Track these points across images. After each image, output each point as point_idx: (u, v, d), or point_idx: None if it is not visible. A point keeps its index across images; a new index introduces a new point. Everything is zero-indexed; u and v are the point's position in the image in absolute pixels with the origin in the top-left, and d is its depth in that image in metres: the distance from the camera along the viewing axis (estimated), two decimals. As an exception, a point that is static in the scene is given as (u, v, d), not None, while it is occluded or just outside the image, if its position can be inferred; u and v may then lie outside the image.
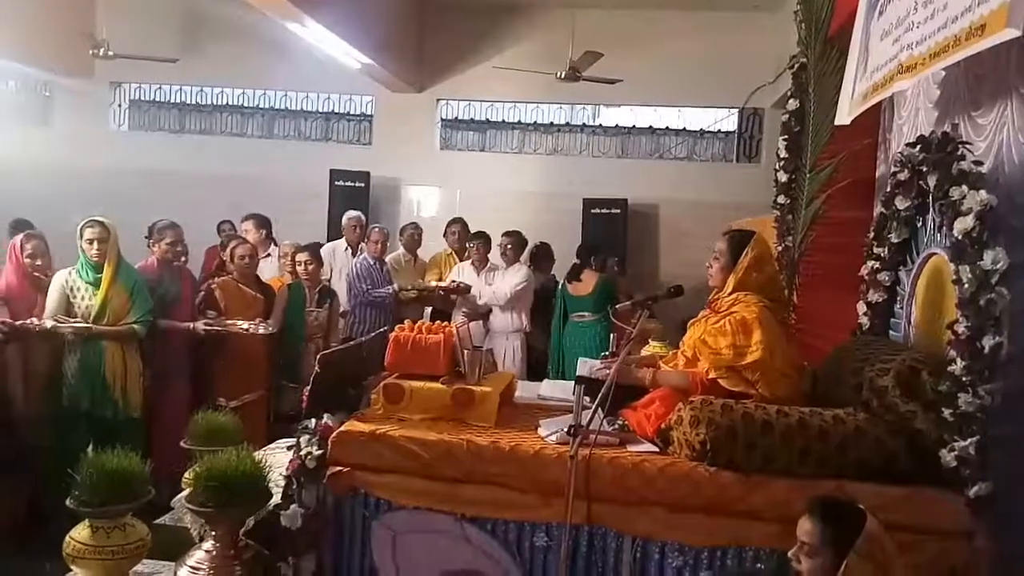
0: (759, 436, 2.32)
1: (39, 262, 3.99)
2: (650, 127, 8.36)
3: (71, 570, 2.60)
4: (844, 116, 3.47)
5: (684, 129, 8.32)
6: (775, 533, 2.24)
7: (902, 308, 3.03)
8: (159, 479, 2.80)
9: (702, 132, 8.27)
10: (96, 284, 3.87)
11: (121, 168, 8.06)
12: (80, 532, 2.56)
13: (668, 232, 7.96)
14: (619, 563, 2.40)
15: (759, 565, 2.24)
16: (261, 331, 4.46)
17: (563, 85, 6.92)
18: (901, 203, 2.93)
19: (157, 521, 2.90)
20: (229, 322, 4.44)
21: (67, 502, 2.54)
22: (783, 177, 4.11)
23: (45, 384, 3.84)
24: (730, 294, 2.69)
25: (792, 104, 4.08)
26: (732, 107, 7.88)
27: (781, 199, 4.12)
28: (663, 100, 8.08)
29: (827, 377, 2.82)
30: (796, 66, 4.10)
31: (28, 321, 3.70)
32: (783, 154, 4.11)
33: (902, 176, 2.90)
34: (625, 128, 8.42)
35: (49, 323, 3.73)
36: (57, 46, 7.45)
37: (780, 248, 4.07)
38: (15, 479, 3.82)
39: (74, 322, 3.78)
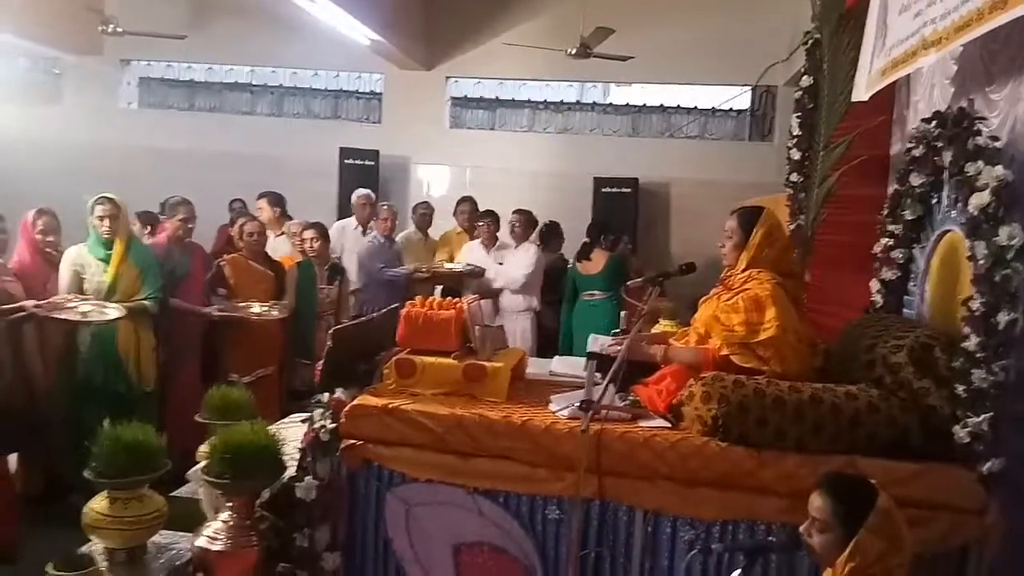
0: (771, 411, 2.32)
1: (51, 238, 4.02)
2: (661, 105, 8.30)
3: (90, 540, 2.65)
4: (861, 92, 3.43)
5: (696, 107, 8.26)
6: (786, 508, 2.25)
7: (916, 286, 3.01)
8: (173, 453, 2.84)
9: (714, 110, 8.21)
10: (107, 260, 3.90)
11: (131, 146, 8.07)
12: (98, 503, 2.59)
13: (679, 211, 7.93)
14: (631, 536, 2.42)
15: (771, 538, 2.25)
16: (275, 315, 4.50)
17: (574, 63, 6.86)
18: (916, 180, 2.91)
19: (173, 494, 2.94)
20: (242, 305, 4.47)
21: (85, 473, 2.57)
22: (796, 155, 4.07)
23: (61, 359, 3.88)
24: (743, 271, 2.68)
25: (806, 81, 4.04)
26: (745, 85, 7.80)
27: (794, 177, 4.09)
28: (675, 78, 8.01)
29: (840, 354, 2.81)
30: (810, 42, 4.05)
31: (58, 299, 3.73)
32: (796, 132, 4.08)
33: (917, 152, 2.88)
34: (636, 106, 8.36)
35: (84, 307, 3.76)
36: (66, 24, 7.44)
37: (793, 227, 4.04)
38: (34, 452, 3.88)
39: (106, 306, 3.81)
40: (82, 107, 8.48)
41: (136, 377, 3.94)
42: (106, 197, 3.93)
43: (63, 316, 3.68)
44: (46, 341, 3.84)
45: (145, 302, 3.97)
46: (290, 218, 5.84)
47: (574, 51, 6.65)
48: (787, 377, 2.46)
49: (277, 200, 5.81)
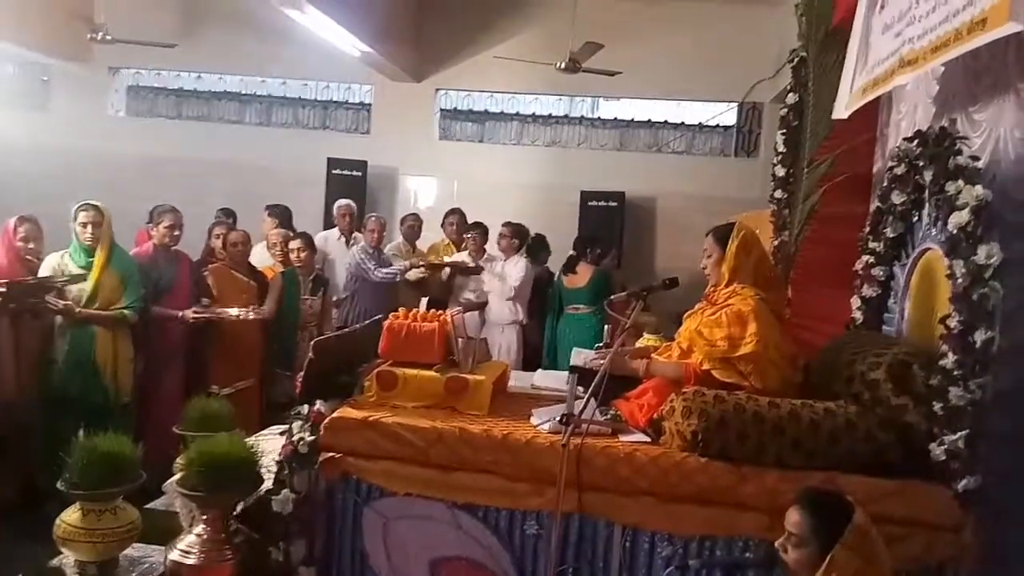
0: (750, 427, 2.32)
1: (31, 245, 3.98)
2: (649, 120, 8.34)
3: (61, 552, 2.61)
4: (842, 110, 3.47)
5: (683, 123, 8.30)
6: (765, 524, 2.25)
7: (896, 303, 3.03)
8: (151, 465, 2.81)
9: (701, 126, 8.25)
10: (88, 268, 3.87)
11: (118, 153, 8.03)
12: (71, 515, 2.55)
13: (665, 225, 7.96)
14: (608, 552, 2.40)
15: (748, 555, 2.25)
16: (252, 316, 4.47)
17: (563, 77, 6.90)
18: (897, 198, 2.93)
19: (148, 506, 2.90)
20: (220, 309, 4.44)
21: (58, 485, 2.54)
22: (780, 172, 4.10)
23: (36, 367, 3.84)
24: (727, 286, 2.69)
25: (791, 98, 4.08)
26: (731, 101, 7.85)
27: (778, 193, 4.11)
28: (662, 93, 8.06)
29: (820, 370, 2.82)
30: (796, 60, 4.09)
31: (24, 280, 3.69)
32: (781, 148, 4.11)
33: (899, 171, 2.90)
34: (624, 121, 8.40)
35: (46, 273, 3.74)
36: (55, 30, 7.40)
37: (776, 243, 4.07)
38: (8, 462, 3.82)
39: (67, 294, 3.77)
40: (70, 114, 8.42)
41: (113, 388, 3.90)
42: (90, 204, 3.91)
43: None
44: (21, 349, 3.80)
45: (125, 311, 3.94)
46: (294, 230, 5.83)
47: (563, 65, 6.69)
48: (767, 392, 2.46)
49: (280, 214, 5.81)
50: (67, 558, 2.58)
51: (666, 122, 8.31)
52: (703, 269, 2.81)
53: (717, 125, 8.21)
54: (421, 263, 5.68)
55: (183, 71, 8.69)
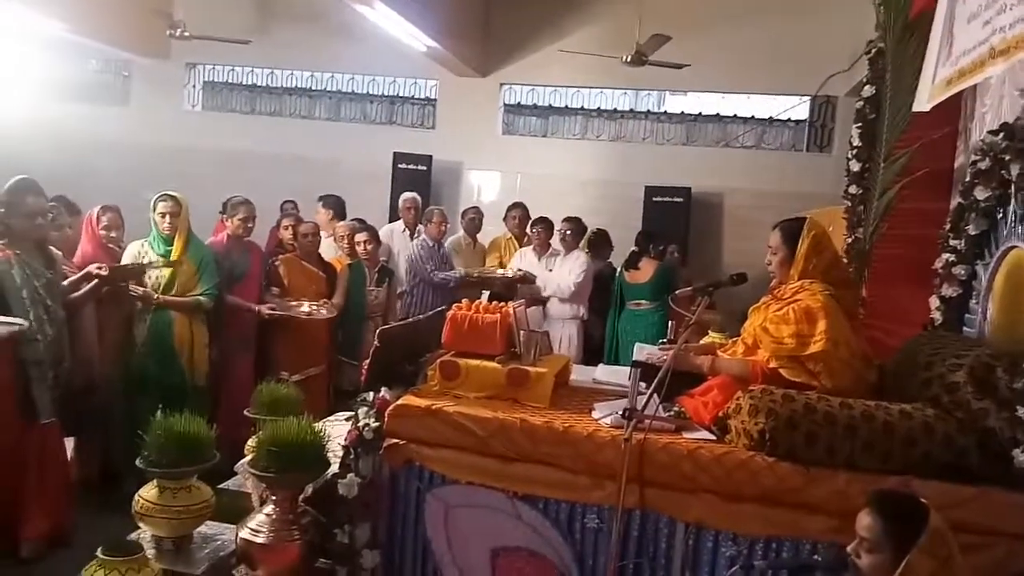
0: (821, 427, 2.26)
1: (113, 234, 4.16)
2: (717, 114, 8.20)
3: (139, 528, 2.73)
4: (924, 103, 3.33)
5: (752, 117, 8.13)
6: (835, 527, 2.19)
7: (978, 303, 2.90)
8: (223, 446, 2.91)
9: (771, 120, 8.06)
10: (167, 256, 4.02)
11: (194, 147, 8.33)
12: (149, 491, 2.67)
13: (733, 222, 7.81)
14: (671, 549, 2.37)
15: (816, 557, 2.19)
16: (323, 315, 4.58)
17: (628, 70, 6.82)
18: (981, 193, 2.81)
19: (221, 486, 3.01)
20: (293, 304, 4.57)
21: (137, 462, 2.66)
22: (855, 166, 3.97)
23: (118, 350, 4.01)
24: (794, 282, 2.62)
25: (868, 91, 3.94)
26: (804, 95, 7.65)
27: (853, 189, 3.99)
28: (731, 87, 7.91)
29: (896, 372, 2.72)
30: (873, 51, 3.95)
31: (124, 265, 3.88)
32: (856, 142, 3.98)
33: (983, 165, 2.77)
34: (691, 115, 8.28)
35: (127, 262, 3.92)
36: (136, 26, 7.72)
37: (850, 240, 3.95)
38: (90, 440, 4.01)
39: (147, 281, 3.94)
40: (149, 109, 8.79)
41: (189, 371, 4.04)
42: (168, 194, 4.05)
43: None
44: (104, 332, 3.98)
45: (200, 298, 4.08)
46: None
47: (629, 59, 6.61)
48: (838, 392, 2.39)
49: (333, 204, 5.92)
50: (144, 533, 2.70)
51: (735, 116, 8.16)
52: (768, 265, 2.74)
53: (788, 119, 8.01)
54: (477, 273, 5.70)
55: (256, 67, 8.94)
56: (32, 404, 3.29)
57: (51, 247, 3.59)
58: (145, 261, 4.00)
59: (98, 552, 2.42)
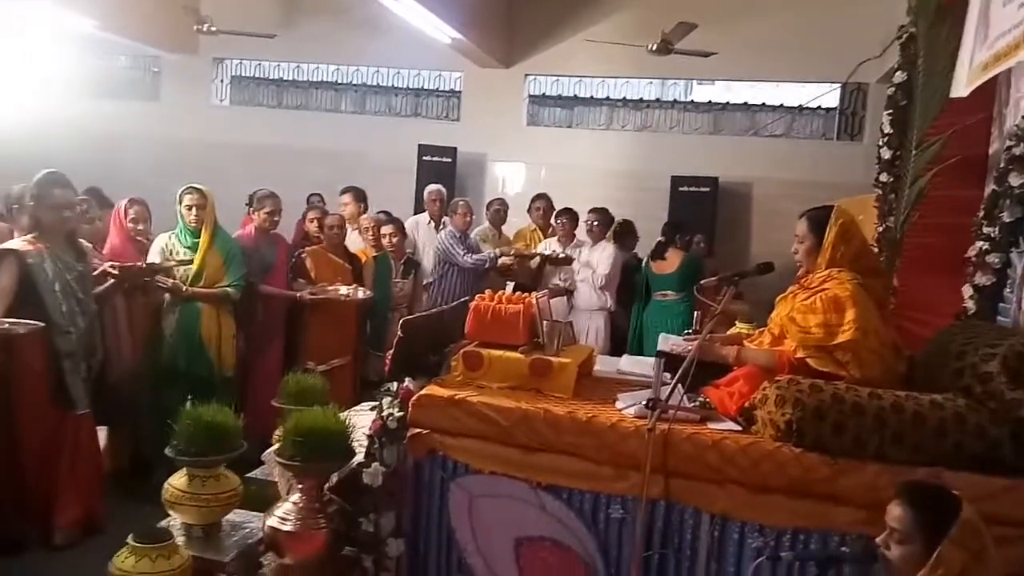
0: (849, 418, 2.22)
1: (140, 226, 4.22)
2: (745, 103, 8.10)
3: (169, 515, 2.77)
4: (961, 88, 3.24)
5: (781, 105, 8.01)
6: (863, 518, 2.15)
7: (1012, 292, 2.83)
8: (251, 436, 2.95)
9: (801, 108, 7.94)
10: (193, 248, 4.06)
11: (222, 141, 8.42)
12: (178, 480, 2.72)
13: (761, 212, 7.71)
14: (696, 540, 2.36)
15: (844, 549, 2.16)
16: (360, 296, 4.62)
17: (654, 60, 6.76)
18: (1016, 180, 2.74)
19: (249, 475, 3.05)
20: (331, 288, 4.60)
21: (166, 451, 2.70)
22: (886, 154, 3.90)
23: (147, 342, 4.07)
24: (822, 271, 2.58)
25: (899, 77, 3.85)
26: (834, 82, 7.51)
27: (884, 177, 3.91)
28: (760, 75, 7.79)
29: (927, 362, 2.67)
30: (905, 36, 3.86)
31: (136, 264, 3.91)
32: (887, 129, 3.90)
33: (1018, 151, 2.71)
34: (718, 104, 8.18)
35: (157, 260, 3.96)
36: (165, 23, 7.82)
37: (881, 229, 3.87)
38: (121, 430, 4.09)
39: (175, 274, 3.99)
40: (178, 104, 8.90)
41: (217, 362, 4.09)
42: (194, 187, 4.10)
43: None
44: (135, 324, 4.04)
45: (228, 289, 4.13)
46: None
47: (655, 47, 6.55)
48: (867, 383, 2.35)
49: (361, 195, 5.95)
50: (174, 520, 2.74)
51: (763, 104, 8.05)
52: (794, 254, 2.70)
53: (818, 107, 7.88)
54: (512, 251, 5.68)
55: (283, 61, 9.01)
56: (66, 395, 3.36)
57: (81, 240, 3.65)
58: (172, 254, 4.05)
59: (129, 539, 2.46)
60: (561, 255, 5.57)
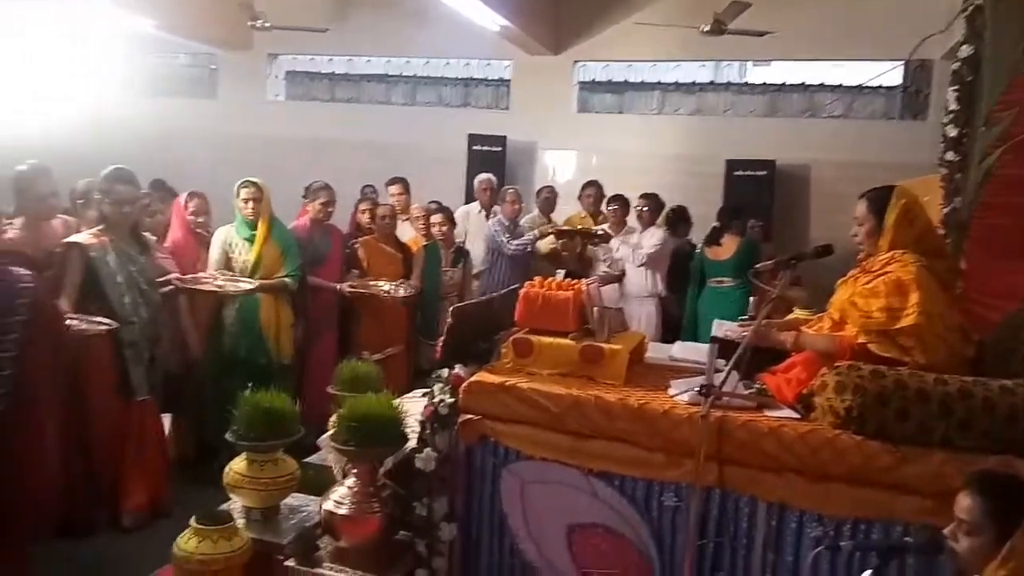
0: (913, 404, 2.14)
1: (200, 219, 4.34)
2: (803, 84, 7.86)
3: (230, 499, 2.85)
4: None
5: (841, 85, 7.76)
6: (928, 508, 2.09)
7: (1090, 273, 2.69)
8: (308, 422, 3.01)
9: (861, 88, 7.68)
10: (251, 240, 4.16)
11: (277, 136, 8.58)
12: (238, 464, 2.79)
13: (820, 195, 7.48)
14: (753, 528, 2.31)
15: (908, 539, 2.08)
16: (402, 293, 4.66)
17: (707, 41, 6.61)
18: (1093, 155, 2.59)
19: (306, 460, 3.11)
20: (372, 283, 4.66)
21: (226, 436, 2.78)
22: (952, 132, 3.73)
23: (208, 332, 4.19)
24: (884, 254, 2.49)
25: (965, 51, 3.68)
26: (896, 60, 7.24)
27: (950, 156, 3.74)
28: (817, 53, 7.53)
29: (996, 347, 2.55)
30: (971, 9, 3.69)
31: (201, 275, 4.03)
32: (953, 107, 3.73)
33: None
34: (775, 85, 7.96)
35: (220, 280, 4.05)
36: (221, 21, 7.99)
37: (947, 210, 3.72)
38: (185, 417, 4.22)
39: (240, 280, 4.08)
40: (235, 100, 9.10)
41: (275, 350, 4.18)
42: (249, 181, 4.19)
43: (201, 288, 3.98)
44: (197, 314, 4.16)
45: (285, 279, 4.21)
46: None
47: (708, 28, 6.40)
48: (932, 368, 2.26)
49: (407, 185, 6.00)
50: (235, 504, 2.82)
51: (822, 85, 7.80)
52: (854, 237, 2.61)
53: (880, 86, 7.60)
54: (550, 230, 5.65)
55: (335, 55, 9.12)
56: (128, 383, 3.47)
57: (145, 233, 3.76)
58: (231, 246, 4.15)
59: (192, 521, 2.54)
60: (600, 231, 5.52)
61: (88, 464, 3.44)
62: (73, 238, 3.46)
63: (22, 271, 2.65)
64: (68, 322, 3.08)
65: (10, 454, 2.48)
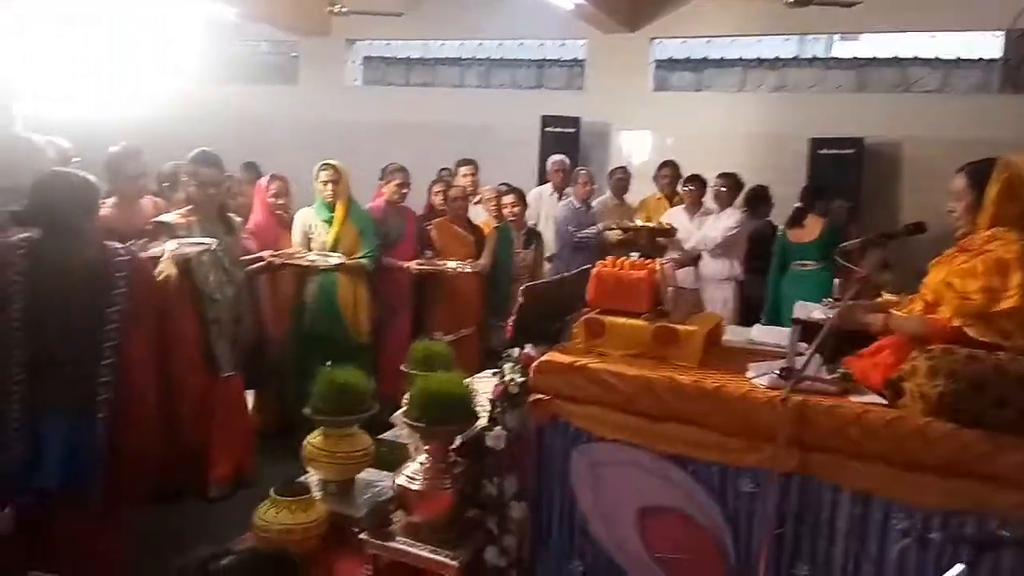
0: (1013, 391, 2.01)
1: (281, 201, 4.46)
2: (894, 57, 7.46)
3: (308, 472, 2.93)
4: None
5: (936, 58, 7.32)
6: (1029, 501, 1.96)
7: None
8: (383, 400, 3.06)
9: (958, 60, 7.24)
10: (330, 222, 4.25)
11: (356, 120, 8.73)
12: (315, 438, 2.87)
13: (913, 175, 7.10)
14: (835, 517, 2.22)
15: (1005, 533, 1.96)
16: (468, 270, 4.69)
17: (791, 13, 6.34)
18: None
19: (380, 436, 3.17)
20: (439, 262, 4.70)
21: (304, 411, 2.85)
22: (1061, 101, 3.48)
23: (289, 309, 4.31)
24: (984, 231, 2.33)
25: (1077, 13, 3.42)
26: (997, 29, 6.79)
27: (1057, 128, 3.50)
28: (910, 24, 7.12)
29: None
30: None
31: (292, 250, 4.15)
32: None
33: None
34: (863, 59, 7.59)
35: (312, 256, 4.19)
36: (300, 7, 8.18)
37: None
38: (268, 392, 4.36)
39: (330, 255, 4.20)
40: (315, 86, 9.31)
41: (353, 328, 4.28)
42: (328, 163, 4.28)
43: (295, 263, 4.14)
44: (277, 293, 4.28)
45: (363, 260, 4.30)
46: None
47: (792, 0, 6.14)
48: (1035, 353, 2.11)
49: (477, 167, 6.01)
50: (312, 476, 2.90)
51: (915, 58, 7.38)
52: (951, 212, 2.45)
53: (979, 58, 7.15)
54: (614, 225, 5.56)
55: (409, 40, 9.20)
56: (213, 359, 3.60)
57: (231, 214, 3.89)
58: (310, 228, 4.25)
59: (271, 492, 2.62)
60: (667, 226, 5.39)
61: (176, 435, 3.58)
62: (161, 217, 3.59)
63: (118, 245, 2.76)
64: (170, 249, 3.19)
65: (116, 424, 2.60)
